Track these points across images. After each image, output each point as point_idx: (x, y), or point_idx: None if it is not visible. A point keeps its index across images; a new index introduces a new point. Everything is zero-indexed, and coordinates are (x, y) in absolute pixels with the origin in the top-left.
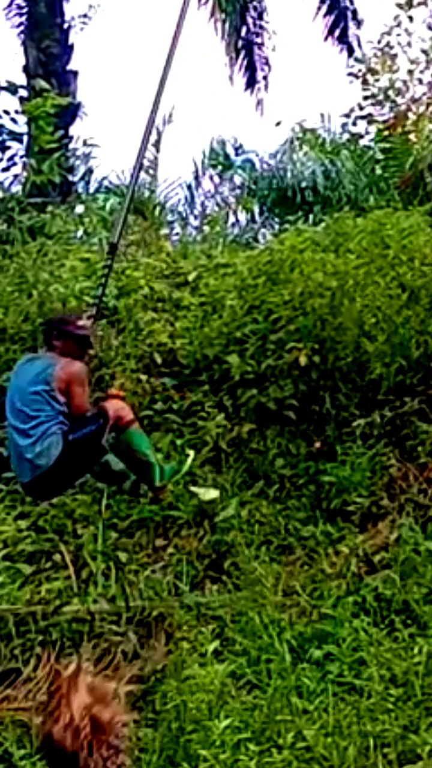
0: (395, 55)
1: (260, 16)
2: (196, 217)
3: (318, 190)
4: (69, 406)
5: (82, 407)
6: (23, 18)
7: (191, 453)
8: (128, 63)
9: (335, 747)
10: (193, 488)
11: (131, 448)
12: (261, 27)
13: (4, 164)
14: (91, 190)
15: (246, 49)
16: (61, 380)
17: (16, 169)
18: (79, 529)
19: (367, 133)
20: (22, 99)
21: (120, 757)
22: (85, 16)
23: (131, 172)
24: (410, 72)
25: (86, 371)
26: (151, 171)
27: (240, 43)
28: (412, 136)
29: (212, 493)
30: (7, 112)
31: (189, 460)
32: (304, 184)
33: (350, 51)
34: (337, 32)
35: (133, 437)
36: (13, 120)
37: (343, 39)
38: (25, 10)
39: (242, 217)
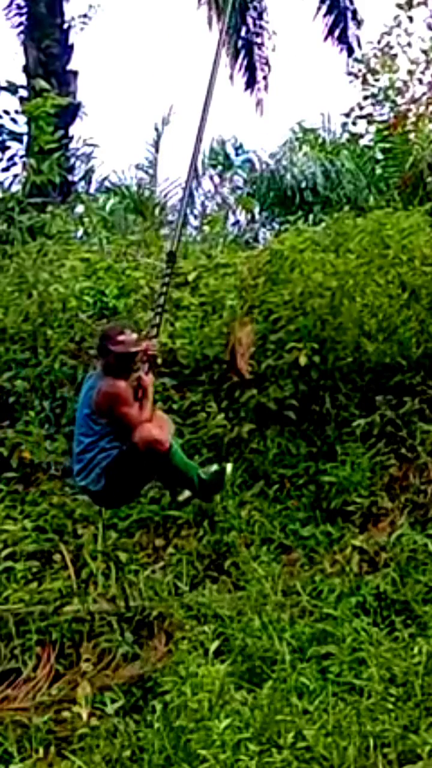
0: (395, 55)
1: (260, 16)
2: (196, 217)
3: (318, 190)
4: (119, 424)
5: (134, 423)
6: (23, 18)
7: (229, 466)
8: (128, 63)
9: (335, 747)
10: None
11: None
12: (261, 27)
13: (4, 164)
14: (92, 190)
15: (246, 49)
16: (99, 405)
17: (16, 169)
18: (79, 529)
19: (367, 133)
20: (22, 99)
21: None
22: (85, 16)
23: (181, 197)
24: (410, 72)
25: (124, 389)
26: (150, 171)
27: (240, 43)
28: (412, 136)
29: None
30: (7, 112)
31: (229, 472)
32: (304, 184)
33: (350, 51)
34: (337, 32)
35: (173, 460)
36: (13, 120)
37: (343, 39)
38: (25, 10)
39: (242, 217)
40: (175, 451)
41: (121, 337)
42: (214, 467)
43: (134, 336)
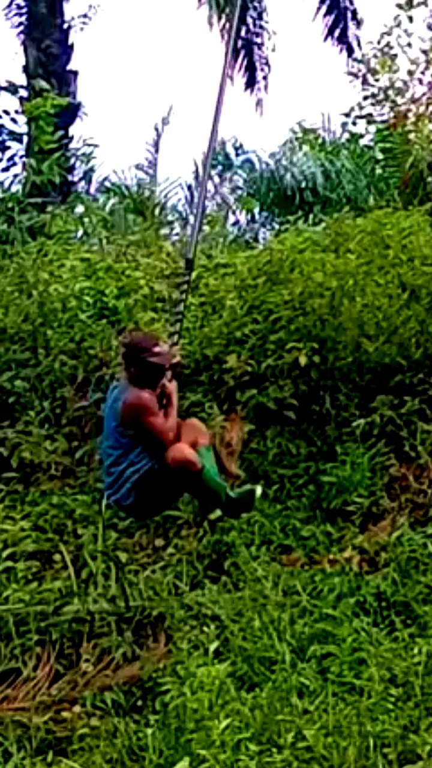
0: (395, 55)
1: (260, 16)
2: (196, 217)
3: (318, 190)
4: (146, 435)
5: (164, 434)
6: (23, 18)
7: (259, 488)
8: (128, 63)
9: (335, 747)
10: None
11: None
12: (261, 27)
13: (4, 164)
14: (92, 190)
15: (246, 49)
16: (125, 416)
17: (16, 169)
18: (79, 529)
19: (367, 132)
20: (22, 99)
21: None
22: (85, 16)
23: (197, 203)
24: (410, 72)
25: (149, 399)
26: (150, 171)
27: (240, 43)
28: (412, 136)
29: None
30: (7, 112)
31: (258, 493)
32: (303, 184)
33: (350, 51)
34: (337, 32)
35: (203, 479)
36: (13, 120)
37: (343, 39)
38: (25, 10)
39: (242, 217)
40: (207, 470)
41: (157, 348)
42: (246, 487)
43: (165, 346)
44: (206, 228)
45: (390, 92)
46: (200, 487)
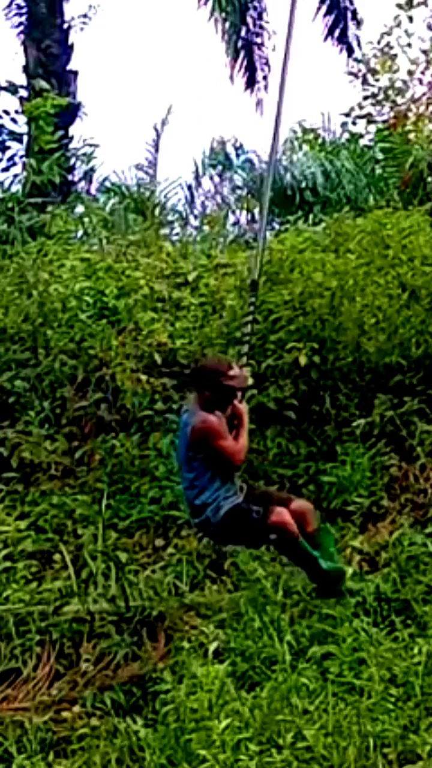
0: (395, 55)
1: (260, 16)
2: (196, 217)
3: (318, 190)
4: (217, 457)
5: (235, 456)
6: (23, 18)
7: (350, 570)
8: (128, 63)
9: (335, 747)
10: None
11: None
12: (261, 27)
13: (4, 164)
14: (92, 190)
15: (246, 49)
16: (194, 441)
17: (16, 169)
18: (79, 529)
19: (367, 132)
20: (22, 99)
21: None
22: (85, 16)
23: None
24: (410, 72)
25: (217, 423)
26: (150, 171)
27: (240, 43)
28: (412, 136)
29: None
30: (7, 112)
31: (348, 575)
32: (303, 184)
33: (350, 51)
34: (337, 32)
35: (298, 546)
36: (13, 120)
37: (343, 39)
38: (25, 10)
39: (242, 217)
40: (302, 542)
41: (232, 372)
42: (338, 564)
43: (238, 369)
44: (206, 228)
45: (390, 92)
46: (295, 552)
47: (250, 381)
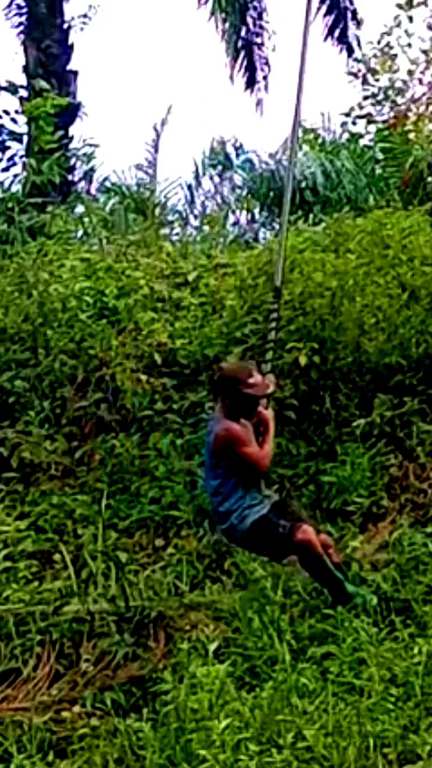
0: (395, 55)
1: (260, 16)
2: (196, 217)
3: (318, 190)
4: (242, 464)
5: (260, 462)
6: (23, 18)
7: (374, 599)
8: (128, 63)
9: (335, 747)
10: None
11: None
12: (261, 27)
13: (4, 164)
14: (92, 190)
15: (246, 49)
16: (217, 448)
17: (16, 169)
18: (79, 529)
19: (367, 132)
20: (22, 99)
21: None
22: (85, 16)
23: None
24: (410, 72)
25: (240, 430)
26: (150, 171)
27: (240, 43)
28: (412, 136)
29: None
30: (7, 112)
31: (374, 604)
32: (303, 184)
33: (350, 51)
34: (337, 32)
35: (322, 564)
36: (13, 120)
37: (343, 39)
38: (25, 10)
39: (242, 217)
40: (326, 561)
41: (251, 380)
42: (364, 592)
43: (259, 376)
44: (206, 228)
45: (390, 92)
46: (320, 570)
47: (272, 388)
